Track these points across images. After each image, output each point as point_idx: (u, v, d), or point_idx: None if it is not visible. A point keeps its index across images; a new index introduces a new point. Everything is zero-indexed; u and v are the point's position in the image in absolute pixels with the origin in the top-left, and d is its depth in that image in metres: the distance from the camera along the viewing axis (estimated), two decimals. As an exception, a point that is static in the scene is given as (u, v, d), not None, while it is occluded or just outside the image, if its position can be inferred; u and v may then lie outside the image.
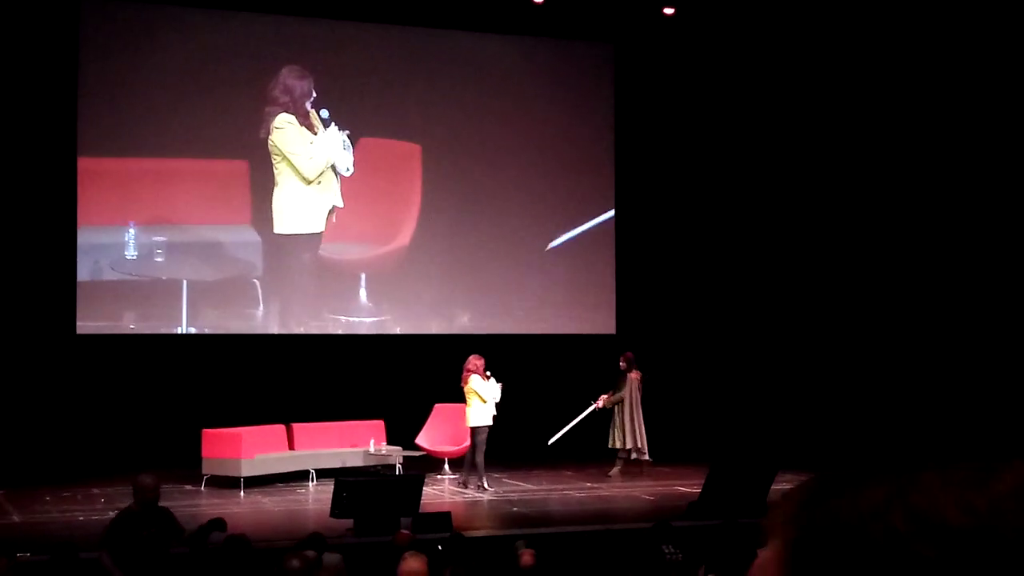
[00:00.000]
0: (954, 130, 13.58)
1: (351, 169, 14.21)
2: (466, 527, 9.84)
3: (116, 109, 13.59)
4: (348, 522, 9.62)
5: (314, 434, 13.33)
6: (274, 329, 14.08)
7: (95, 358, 13.81)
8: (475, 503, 11.81)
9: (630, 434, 13.56)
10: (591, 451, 14.06)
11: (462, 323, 15.52)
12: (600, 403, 13.55)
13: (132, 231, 13.41)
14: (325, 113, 14.28)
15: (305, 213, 13.89)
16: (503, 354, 13.94)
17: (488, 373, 12.57)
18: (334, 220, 14.22)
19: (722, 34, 15.96)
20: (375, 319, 14.50)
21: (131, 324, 13.31)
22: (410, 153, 14.97)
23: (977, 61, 13.32)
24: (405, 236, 14.85)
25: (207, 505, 11.56)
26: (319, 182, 13.87)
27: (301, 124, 13.89)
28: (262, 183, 14.02)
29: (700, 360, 16.22)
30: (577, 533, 9.75)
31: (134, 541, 6.73)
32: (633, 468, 13.60)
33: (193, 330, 13.71)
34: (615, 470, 13.54)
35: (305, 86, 14.10)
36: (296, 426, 13.29)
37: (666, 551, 7.93)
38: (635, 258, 16.36)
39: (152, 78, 13.64)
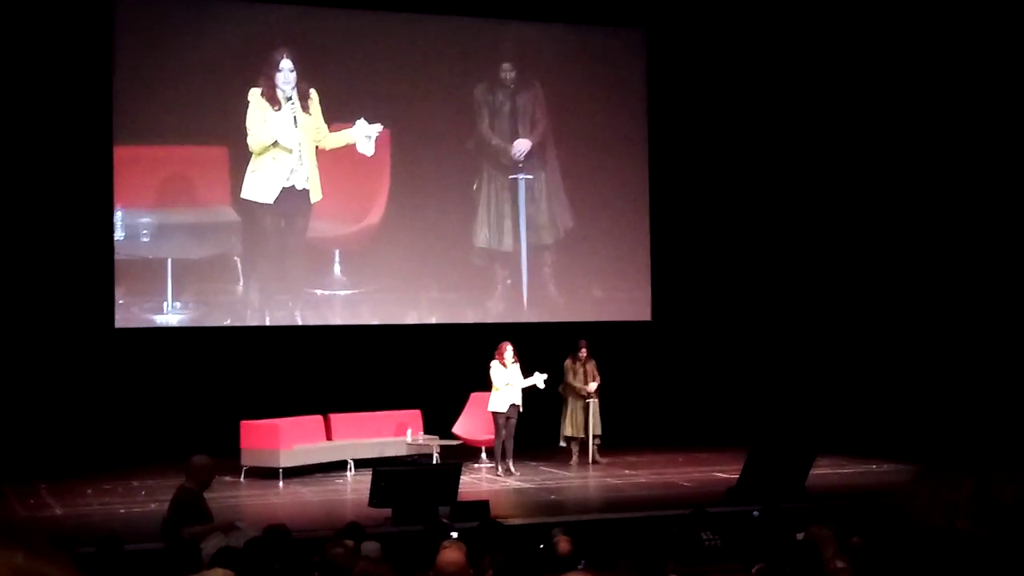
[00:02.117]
0: (991, 109, 13.48)
1: (305, 154, 14.37)
2: (503, 515, 9.89)
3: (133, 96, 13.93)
4: (386, 511, 9.69)
5: (351, 424, 13.42)
6: (255, 302, 14.31)
7: (132, 351, 13.96)
8: (512, 491, 11.86)
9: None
10: (625, 439, 14.07)
11: (497, 311, 15.56)
12: (590, 389, 13.46)
13: (120, 214, 13.84)
14: (315, 94, 14.49)
15: (255, 183, 14.23)
16: (537, 342, 13.97)
17: (514, 359, 12.68)
18: (310, 200, 14.50)
19: (755, 15, 15.87)
20: (348, 292, 14.77)
21: (120, 299, 13.72)
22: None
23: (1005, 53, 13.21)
24: (377, 215, 15.00)
25: (247, 496, 11.69)
26: (272, 157, 14.18)
27: (262, 96, 14.19)
28: (240, 166, 14.26)
29: (738, 344, 16.18)
30: (614, 520, 9.77)
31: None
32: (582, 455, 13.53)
33: (178, 304, 14.04)
34: (576, 457, 13.48)
35: (279, 61, 14.36)
36: (333, 416, 13.39)
37: (705, 537, 7.94)
38: (671, 242, 16.31)
39: (146, 63, 13.97)
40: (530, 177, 15.73)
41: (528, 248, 15.76)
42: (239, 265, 14.30)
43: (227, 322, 14.30)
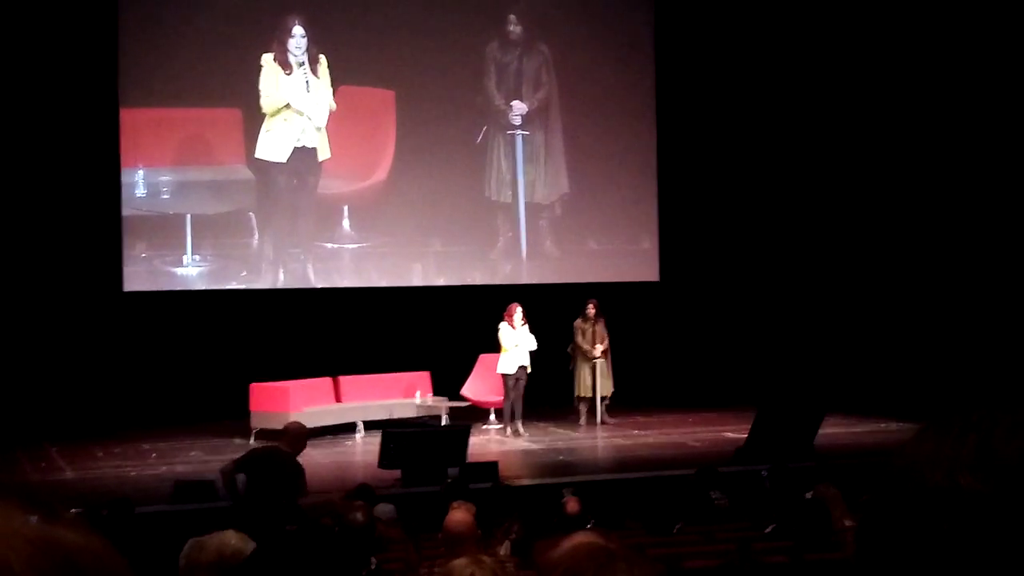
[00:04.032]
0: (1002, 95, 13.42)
1: (318, 112, 14.74)
2: (512, 476, 9.95)
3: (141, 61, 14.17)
4: (396, 473, 9.76)
5: (361, 386, 13.49)
6: (269, 255, 14.68)
7: (141, 313, 14.04)
8: (522, 452, 11.93)
9: (611, 379, 13.60)
10: (634, 399, 14.12)
11: (504, 273, 15.61)
12: (598, 352, 13.49)
13: (141, 172, 14.25)
14: (323, 59, 14.76)
15: (269, 143, 14.67)
16: (546, 303, 14.00)
17: (523, 321, 12.73)
18: (319, 160, 14.84)
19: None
20: (357, 245, 15.16)
21: (142, 254, 14.17)
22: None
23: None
24: (383, 172, 15.28)
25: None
26: (285, 119, 14.60)
27: (275, 61, 14.60)
28: (253, 128, 14.63)
29: (746, 305, 16.18)
30: (624, 480, 9.83)
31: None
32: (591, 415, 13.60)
33: (197, 257, 14.42)
34: (583, 418, 13.54)
35: (291, 28, 14.68)
36: (343, 379, 13.46)
37: (714, 496, 7.99)
38: (679, 203, 16.28)
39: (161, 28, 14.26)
40: (527, 133, 15.76)
41: (528, 207, 15.83)
42: (254, 220, 14.66)
43: (243, 273, 14.64)
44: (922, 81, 14.41)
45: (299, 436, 7.52)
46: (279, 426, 12.35)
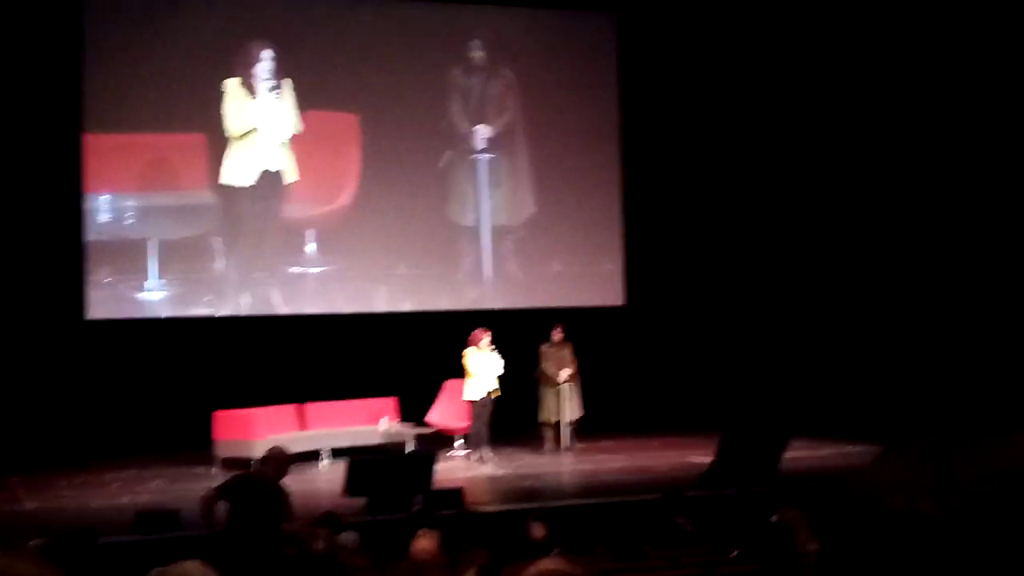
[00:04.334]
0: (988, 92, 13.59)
1: (284, 136, 14.80)
2: (478, 503, 9.91)
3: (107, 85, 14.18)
4: (361, 501, 9.69)
5: (326, 413, 13.41)
6: (234, 279, 14.69)
7: (104, 341, 13.93)
8: (487, 478, 11.89)
9: (579, 405, 13.61)
10: (599, 424, 14.11)
11: (471, 297, 15.61)
12: (563, 378, 13.49)
13: (105, 197, 14.33)
14: (289, 83, 14.81)
15: (234, 168, 14.70)
16: (510, 328, 13.99)
17: (491, 346, 12.73)
18: (284, 183, 14.90)
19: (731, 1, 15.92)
20: (321, 269, 15.20)
21: (107, 278, 14.15)
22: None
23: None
24: (348, 197, 15.32)
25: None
26: (251, 143, 14.67)
27: (241, 86, 14.66)
28: (217, 152, 14.66)
29: (710, 329, 16.25)
30: (590, 506, 9.81)
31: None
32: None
33: (163, 282, 14.46)
34: (549, 444, 13.52)
35: (257, 53, 14.78)
36: (308, 405, 13.38)
37: (679, 521, 7.99)
38: (644, 227, 16.34)
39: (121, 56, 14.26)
40: (492, 156, 15.82)
41: (495, 229, 15.85)
42: (218, 244, 14.64)
43: (208, 298, 14.59)
44: (895, 111, 14.55)
45: (283, 460, 7.47)
46: (243, 454, 12.36)
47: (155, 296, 14.44)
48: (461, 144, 15.81)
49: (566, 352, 13.66)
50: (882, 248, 14.68)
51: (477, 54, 15.88)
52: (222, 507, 7.19)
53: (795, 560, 5.71)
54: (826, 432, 13.62)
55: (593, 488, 11.09)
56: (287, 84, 14.83)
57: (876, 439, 12.10)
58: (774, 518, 6.49)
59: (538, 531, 7.00)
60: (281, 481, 7.36)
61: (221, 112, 14.53)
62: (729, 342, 16.12)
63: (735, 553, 6.79)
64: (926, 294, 14.08)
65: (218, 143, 14.56)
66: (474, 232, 15.86)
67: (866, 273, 14.87)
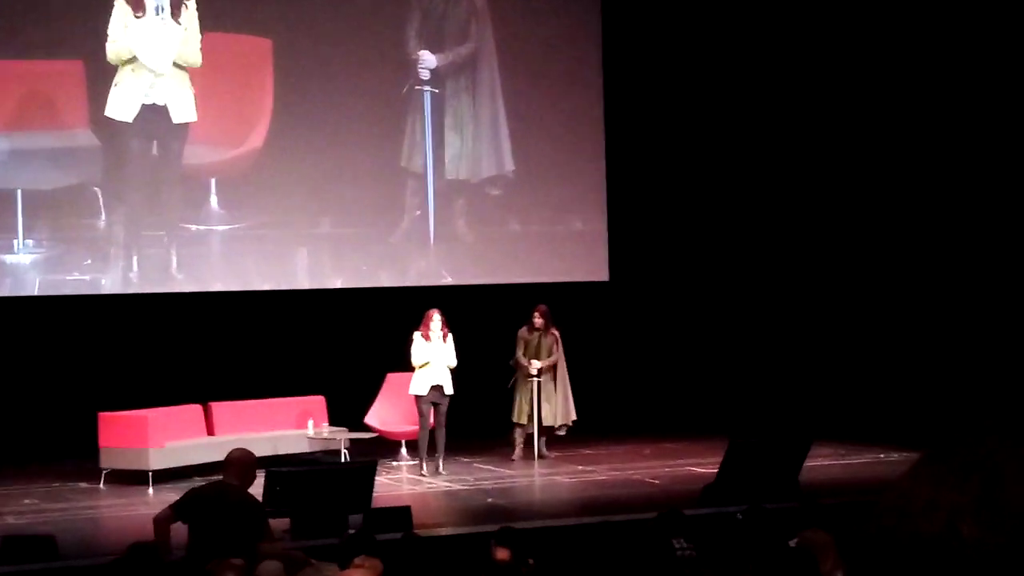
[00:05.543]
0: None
1: (165, 64, 14.71)
2: (430, 524, 9.95)
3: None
4: (284, 522, 9.71)
5: (238, 415, 13.40)
6: (118, 238, 14.58)
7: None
8: (441, 494, 11.94)
9: (564, 407, 13.69)
10: (579, 427, 14.17)
11: (418, 270, 15.59)
12: (534, 370, 13.58)
13: None
14: (192, 3, 14.74)
15: (118, 99, 14.58)
16: (470, 308, 14.02)
17: (444, 331, 12.79)
18: (176, 123, 14.78)
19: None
20: (228, 227, 15.12)
21: None
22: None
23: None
24: (259, 138, 15.26)
25: (107, 507, 11.62)
26: (133, 70, 14.59)
27: (127, 2, 14.57)
28: (99, 82, 14.48)
29: (714, 311, 16.32)
30: (568, 527, 9.86)
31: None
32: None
33: (31, 242, 14.29)
34: (519, 451, 13.66)
35: None
36: (215, 406, 13.35)
37: (677, 546, 8.05)
38: (631, 184, 16.38)
39: None
40: (436, 91, 15.77)
41: (453, 184, 15.81)
42: (100, 196, 14.55)
43: (88, 262, 14.43)
44: (890, 71, 14.84)
45: (248, 465, 7.46)
46: (136, 465, 12.33)
47: (23, 259, 14.27)
48: (415, 74, 15.74)
49: (548, 340, 13.70)
50: (925, 219, 14.76)
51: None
52: (180, 530, 7.21)
53: (818, 592, 5.78)
54: (855, 436, 13.74)
55: (572, 506, 11.17)
56: (189, 4, 14.68)
57: (913, 444, 12.26)
58: (793, 542, 6.57)
59: (501, 554, 7.06)
60: (250, 490, 7.38)
61: (105, 32, 14.34)
62: (738, 327, 16.19)
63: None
64: (974, 270, 14.22)
65: (101, 72, 14.37)
66: (420, 181, 15.78)
67: (906, 248, 14.93)
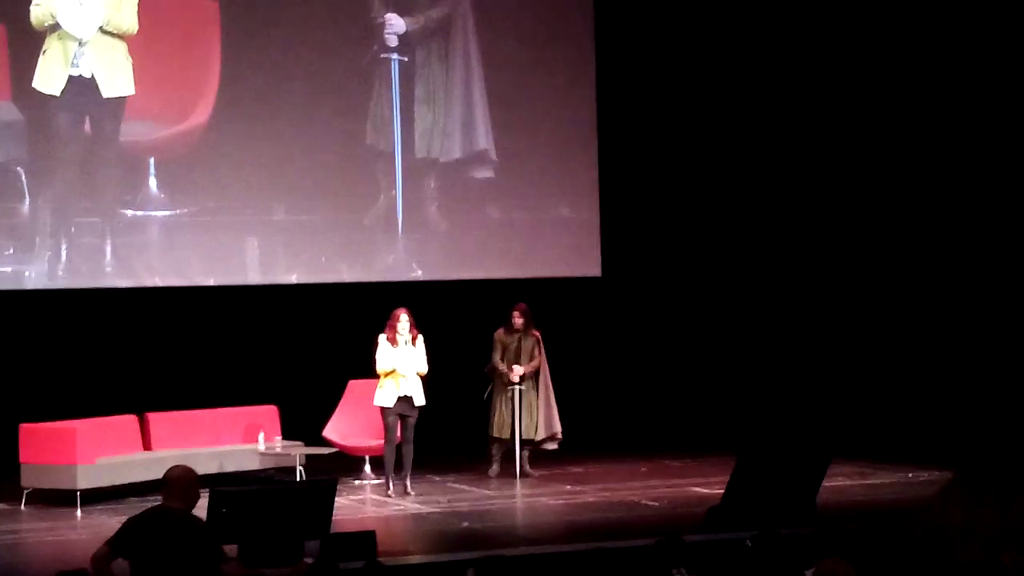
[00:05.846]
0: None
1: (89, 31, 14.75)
2: (397, 551, 9.94)
3: None
4: (231, 548, 9.68)
5: (179, 427, 13.38)
6: (44, 224, 14.56)
7: None
8: (410, 518, 11.93)
9: (547, 417, 13.69)
10: (568, 442, 14.18)
11: (385, 265, 15.59)
12: (516, 377, 13.58)
13: None
14: None
15: (44, 70, 14.65)
16: (443, 306, 14.01)
17: (412, 334, 12.80)
18: (106, 96, 14.84)
19: None
20: (168, 213, 15.09)
21: None
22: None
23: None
24: (204, 114, 15.27)
25: (30, 532, 11.58)
26: (59, 37, 14.64)
27: None
28: (22, 51, 14.51)
29: (720, 311, 16.35)
30: (555, 555, 9.86)
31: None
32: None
33: None
34: (496, 467, 13.72)
35: None
36: (153, 416, 13.34)
37: (677, 576, 8.07)
38: (625, 170, 16.41)
39: None
40: (404, 59, 15.82)
41: (425, 163, 15.82)
42: (23, 177, 14.49)
43: (9, 251, 14.39)
44: (887, 56, 15.17)
45: (190, 484, 7.42)
46: (62, 484, 12.29)
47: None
48: (382, 41, 15.77)
49: (529, 343, 13.70)
50: (954, 215, 14.87)
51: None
52: (121, 565, 7.15)
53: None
54: (879, 453, 13.78)
55: (558, 531, 11.14)
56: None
57: (943, 462, 12.28)
58: (809, 572, 6.57)
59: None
60: (194, 511, 7.36)
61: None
62: (748, 330, 16.24)
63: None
64: (1007, 284, 14.34)
65: (28, 38, 14.37)
66: (389, 163, 15.80)
67: (938, 248, 15.02)
